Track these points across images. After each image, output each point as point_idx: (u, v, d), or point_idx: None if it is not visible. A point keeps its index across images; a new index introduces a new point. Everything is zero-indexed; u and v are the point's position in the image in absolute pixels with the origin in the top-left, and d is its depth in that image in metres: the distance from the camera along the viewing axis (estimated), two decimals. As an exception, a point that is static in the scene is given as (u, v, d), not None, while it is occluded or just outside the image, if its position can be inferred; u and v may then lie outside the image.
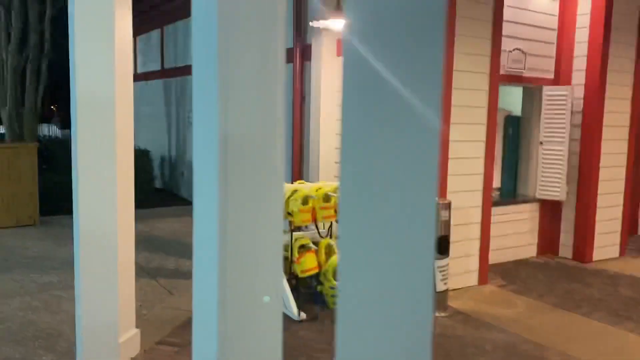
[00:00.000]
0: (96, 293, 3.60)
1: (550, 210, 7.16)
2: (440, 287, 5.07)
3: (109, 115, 3.42)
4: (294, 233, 5.26)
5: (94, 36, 3.29)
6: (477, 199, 5.84)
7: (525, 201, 7.12)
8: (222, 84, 1.58)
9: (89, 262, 3.54)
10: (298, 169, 7.43)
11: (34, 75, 10.17)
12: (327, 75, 6.62)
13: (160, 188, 11.93)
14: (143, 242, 7.47)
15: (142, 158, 10.96)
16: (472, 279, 5.94)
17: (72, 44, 3.27)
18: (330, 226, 5.33)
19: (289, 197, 5.09)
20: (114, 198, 3.56)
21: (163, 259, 6.75)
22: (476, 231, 5.90)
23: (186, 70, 10.91)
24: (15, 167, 8.20)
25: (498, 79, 5.78)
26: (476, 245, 5.92)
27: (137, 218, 9.17)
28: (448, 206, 5.05)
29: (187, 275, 6.16)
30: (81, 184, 3.44)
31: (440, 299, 5.11)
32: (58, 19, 10.28)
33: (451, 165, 5.52)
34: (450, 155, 5.51)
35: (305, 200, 5.00)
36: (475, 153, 5.73)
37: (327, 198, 5.11)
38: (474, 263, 5.93)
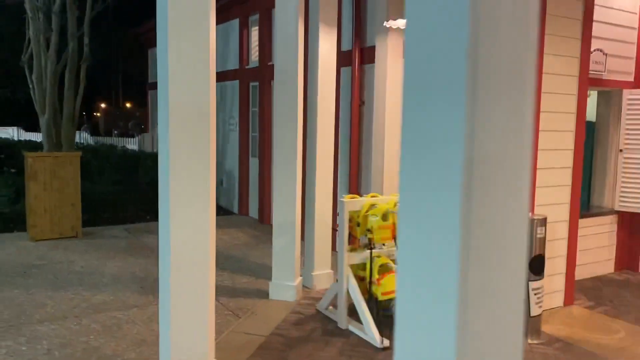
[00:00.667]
0: (186, 321, 3.21)
1: (630, 223, 6.65)
2: (535, 311, 4.61)
3: (204, 127, 3.05)
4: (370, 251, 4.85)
5: (189, 42, 2.94)
6: (564, 212, 5.36)
7: (602, 214, 6.62)
8: (471, 98, 1.26)
9: (180, 286, 3.15)
10: (355, 179, 7.01)
11: (73, 81, 9.89)
12: (393, 79, 6.21)
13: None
14: (193, 256, 7.11)
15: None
16: (558, 300, 5.46)
17: (164, 51, 2.91)
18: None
19: (365, 212, 4.67)
20: (207, 216, 3.18)
21: (218, 275, 6.35)
22: (562, 248, 5.42)
23: (224, 75, 10.57)
24: (58, 177, 7.90)
25: (588, 82, 5.32)
26: (562, 263, 5.44)
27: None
28: (544, 222, 4.59)
29: (248, 293, 5.76)
30: (174, 201, 3.06)
31: (534, 324, 4.65)
32: (96, 23, 10.03)
33: (539, 176, 5.06)
34: (538, 165, 5.05)
35: (385, 216, 4.58)
36: (564, 163, 5.26)
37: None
38: (560, 282, 5.45)
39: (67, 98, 9.93)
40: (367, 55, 6.76)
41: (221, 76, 10.71)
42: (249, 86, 9.91)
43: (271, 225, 9.35)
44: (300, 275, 5.76)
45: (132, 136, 18.68)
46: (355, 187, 6.99)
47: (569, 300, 5.50)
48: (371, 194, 5.08)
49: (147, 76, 15.45)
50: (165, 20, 2.89)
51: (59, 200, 7.92)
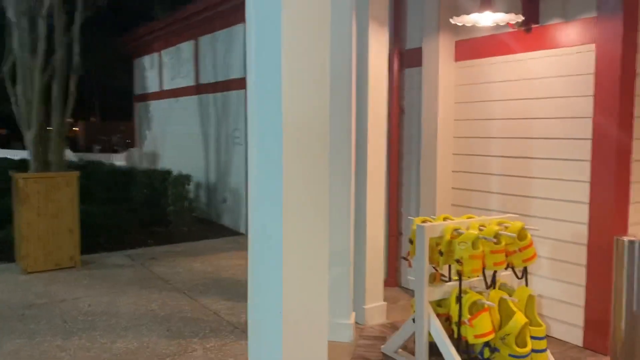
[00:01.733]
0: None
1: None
2: (650, 349, 3.95)
3: (323, 146, 2.32)
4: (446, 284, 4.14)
5: (305, 61, 2.28)
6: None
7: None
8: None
9: (294, 342, 2.37)
10: (395, 199, 6.29)
11: (61, 93, 8.96)
12: (445, 84, 5.54)
13: (198, 216, 10.70)
14: (215, 287, 6.30)
15: (182, 184, 9.78)
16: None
17: (276, 73, 2.23)
18: (494, 274, 4.19)
19: (449, 238, 3.96)
20: (324, 258, 2.44)
21: (250, 311, 5.54)
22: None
23: (229, 84, 9.79)
24: (53, 201, 6.99)
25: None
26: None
27: (190, 254, 7.98)
28: (657, 245, 3.96)
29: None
30: (288, 244, 2.31)
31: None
32: (87, 28, 9.16)
33: (634, 190, 4.44)
34: (632, 179, 4.43)
35: (475, 244, 3.87)
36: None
37: (496, 238, 3.99)
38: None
39: (55, 111, 9.00)
40: (408, 58, 6.09)
41: (224, 85, 9.93)
42: (256, 96, 9.13)
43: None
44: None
45: (116, 151, 17.65)
46: (395, 207, 6.28)
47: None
48: (421, 218, 4.34)
49: (133, 88, 14.52)
50: (279, 33, 2.21)
51: (55, 227, 7.00)
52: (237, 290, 6.18)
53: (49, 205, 6.95)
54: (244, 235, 9.38)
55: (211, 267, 7.24)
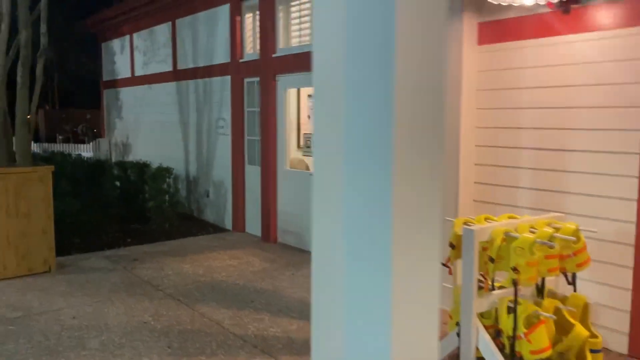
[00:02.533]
0: None
1: None
2: None
3: (439, 146, 1.80)
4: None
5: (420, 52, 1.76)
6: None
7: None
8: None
9: None
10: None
11: (27, 78, 8.15)
12: (469, 71, 5.10)
13: (178, 212, 10.02)
14: (211, 292, 5.73)
15: (162, 177, 9.09)
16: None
17: (390, 65, 1.69)
18: (543, 280, 3.78)
19: (500, 243, 3.53)
20: (435, 264, 1.92)
21: (257, 319, 5.01)
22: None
23: (211, 70, 9.13)
24: (25, 198, 6.26)
25: None
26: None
27: (176, 254, 7.35)
28: None
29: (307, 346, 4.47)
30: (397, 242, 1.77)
31: None
32: (58, 7, 8.36)
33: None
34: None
35: (532, 249, 3.45)
36: None
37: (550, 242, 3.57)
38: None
39: (20, 98, 8.17)
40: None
41: (205, 72, 9.28)
42: (243, 82, 8.53)
43: (279, 245, 8.12)
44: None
45: (83, 142, 16.64)
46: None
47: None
48: (462, 219, 3.90)
49: (101, 73, 13.61)
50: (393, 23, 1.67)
51: (27, 227, 6.28)
52: (236, 296, 5.63)
53: (19, 204, 6.22)
54: (230, 232, 8.80)
55: (202, 268, 6.65)
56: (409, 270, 1.79)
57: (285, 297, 5.62)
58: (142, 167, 9.52)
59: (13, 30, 8.03)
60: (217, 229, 9.06)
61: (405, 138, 1.78)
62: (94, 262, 6.96)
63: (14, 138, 8.28)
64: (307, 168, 8.44)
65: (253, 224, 8.52)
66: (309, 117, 9.33)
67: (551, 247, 3.52)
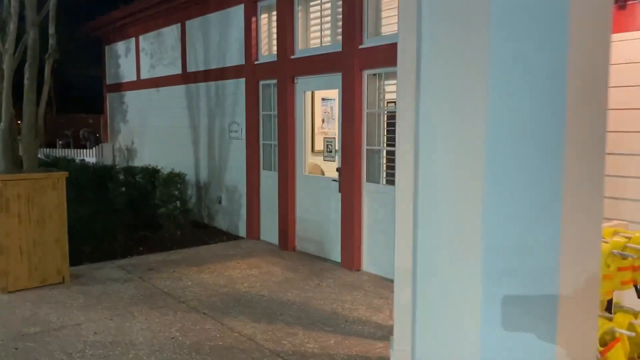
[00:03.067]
0: None
1: None
2: None
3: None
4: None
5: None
6: None
7: None
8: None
9: None
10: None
11: (35, 81, 7.83)
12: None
13: (188, 218, 9.72)
14: (237, 305, 5.45)
15: (174, 182, 8.80)
16: None
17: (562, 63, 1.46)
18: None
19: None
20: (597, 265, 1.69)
21: (290, 334, 4.73)
22: None
23: (224, 73, 8.86)
24: (37, 206, 5.95)
25: None
26: None
27: (192, 263, 7.06)
28: None
29: (353, 364, 4.19)
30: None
31: None
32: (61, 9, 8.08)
33: None
34: None
35: (607, 261, 3.20)
36: None
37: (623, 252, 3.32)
38: None
39: (27, 102, 7.85)
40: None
41: (217, 74, 9.02)
42: (258, 85, 8.26)
43: (298, 253, 7.81)
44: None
45: (84, 147, 16.30)
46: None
47: None
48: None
49: (104, 77, 13.30)
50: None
51: (40, 236, 5.97)
52: (263, 309, 5.34)
53: (32, 211, 5.92)
54: (244, 239, 8.51)
55: (222, 279, 6.36)
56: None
57: (316, 309, 5.34)
58: (152, 172, 9.21)
59: (19, 31, 7.73)
60: (230, 236, 8.77)
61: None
62: (108, 272, 6.66)
63: (20, 143, 7.97)
64: (322, 173, 8.18)
65: (268, 231, 8.24)
66: (323, 121, 9.09)
67: (626, 257, 3.28)
